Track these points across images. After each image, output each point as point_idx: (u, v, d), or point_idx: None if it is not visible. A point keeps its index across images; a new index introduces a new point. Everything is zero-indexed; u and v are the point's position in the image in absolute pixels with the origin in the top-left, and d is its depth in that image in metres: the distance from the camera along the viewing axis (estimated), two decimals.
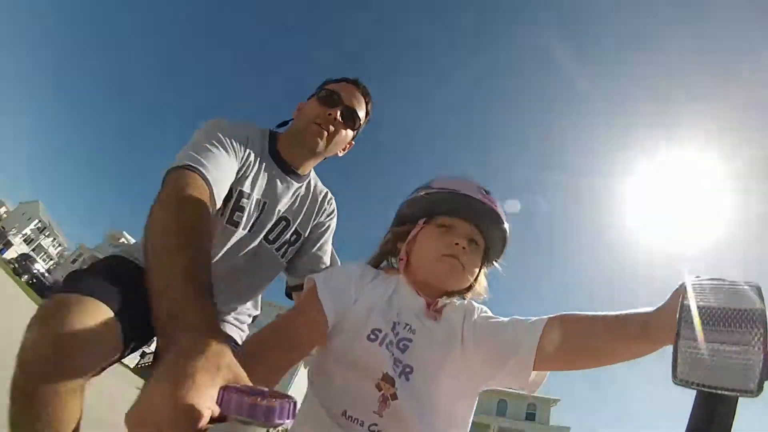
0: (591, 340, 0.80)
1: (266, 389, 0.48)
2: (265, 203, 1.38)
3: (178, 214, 0.87)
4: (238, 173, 1.27)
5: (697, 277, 0.51)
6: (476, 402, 0.95)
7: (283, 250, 1.46)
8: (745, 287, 0.48)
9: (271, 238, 1.43)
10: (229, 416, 0.46)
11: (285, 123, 1.52)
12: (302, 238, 1.50)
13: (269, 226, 1.40)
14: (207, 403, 0.47)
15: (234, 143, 1.26)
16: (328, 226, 1.59)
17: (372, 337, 0.88)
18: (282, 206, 1.42)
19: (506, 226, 1.04)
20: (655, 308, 0.66)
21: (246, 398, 0.45)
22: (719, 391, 0.43)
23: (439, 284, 1.00)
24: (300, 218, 1.48)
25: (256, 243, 1.37)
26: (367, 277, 1.01)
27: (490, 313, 1.00)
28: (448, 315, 0.98)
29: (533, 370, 0.85)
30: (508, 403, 34.66)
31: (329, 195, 1.59)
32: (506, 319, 0.94)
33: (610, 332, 0.76)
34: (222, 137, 1.22)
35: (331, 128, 1.41)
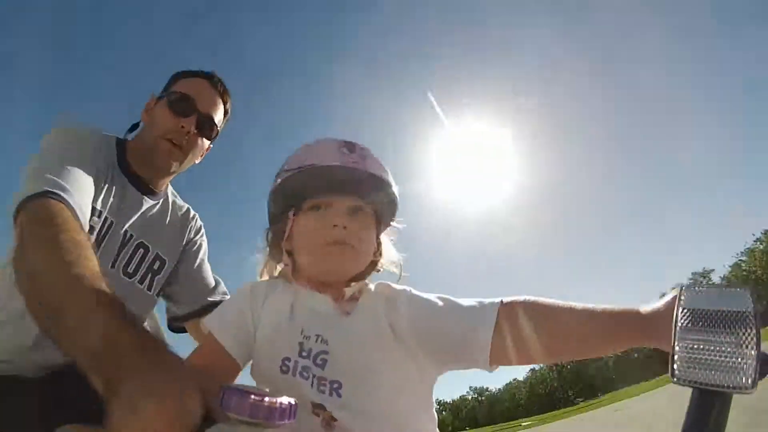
0: (566, 338, 0.73)
1: (267, 390, 0.48)
2: (112, 222, 1.18)
3: (65, 260, 0.72)
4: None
5: (692, 283, 0.55)
6: (435, 382, 0.85)
7: (147, 282, 1.27)
8: (737, 291, 0.51)
9: (131, 271, 1.23)
10: (230, 416, 0.46)
11: (135, 126, 1.31)
12: (168, 264, 1.32)
13: (116, 249, 1.19)
14: (197, 406, 0.48)
15: (88, 154, 1.09)
16: (200, 245, 1.43)
17: (284, 368, 0.79)
18: (131, 226, 1.22)
19: (387, 184, 0.88)
20: (646, 308, 0.66)
21: (248, 398, 0.45)
22: (716, 389, 0.46)
23: (333, 278, 0.88)
24: (161, 242, 1.30)
25: (110, 274, 1.14)
26: (259, 297, 0.88)
27: (418, 295, 0.85)
28: (364, 305, 0.86)
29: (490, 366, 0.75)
30: None
31: (192, 211, 1.43)
32: (440, 302, 0.82)
33: (592, 329, 0.70)
34: (77, 149, 1.07)
35: (185, 143, 1.23)
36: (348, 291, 0.88)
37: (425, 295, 0.84)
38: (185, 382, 0.50)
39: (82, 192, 0.97)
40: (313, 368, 0.78)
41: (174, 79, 1.30)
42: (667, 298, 0.61)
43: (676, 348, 0.49)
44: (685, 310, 0.51)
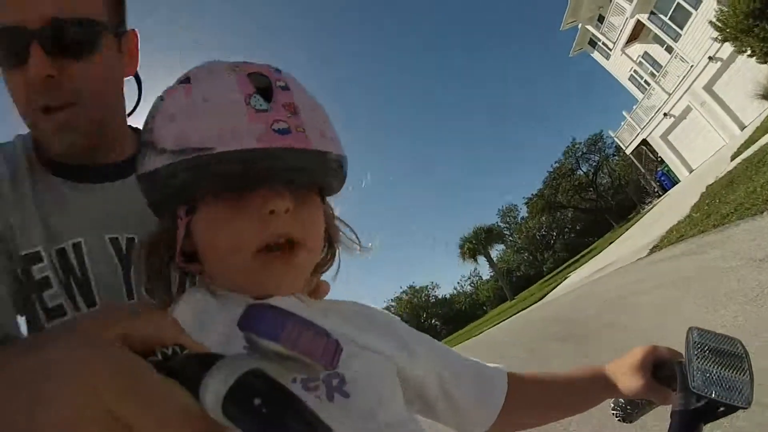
0: (549, 407, 0.75)
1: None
2: (78, 242, 0.75)
3: None
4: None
5: (696, 329, 0.66)
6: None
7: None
8: (732, 338, 0.66)
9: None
10: (260, 342, 0.29)
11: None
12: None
13: (118, 270, 0.77)
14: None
15: None
16: None
17: None
18: (103, 229, 0.79)
19: (335, 161, 0.57)
20: (611, 366, 0.73)
21: (304, 327, 0.29)
22: (725, 402, 0.58)
23: (267, 293, 0.56)
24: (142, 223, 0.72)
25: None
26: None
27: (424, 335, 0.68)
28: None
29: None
30: None
31: None
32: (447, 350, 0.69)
33: (570, 393, 0.74)
34: None
35: (56, 95, 0.66)
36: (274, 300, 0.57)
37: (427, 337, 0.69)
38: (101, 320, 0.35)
39: None
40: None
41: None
42: (629, 357, 0.71)
43: (694, 368, 0.61)
44: (697, 344, 0.63)
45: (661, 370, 0.67)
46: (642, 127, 21.25)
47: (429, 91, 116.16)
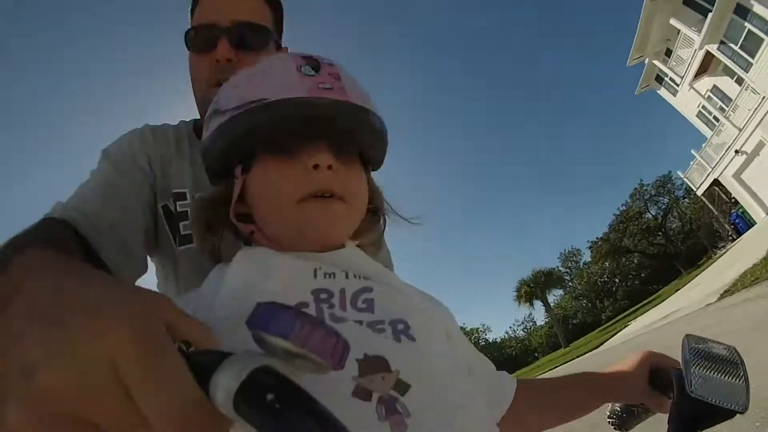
0: (555, 409, 0.75)
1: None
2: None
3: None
4: (161, 182, 0.91)
5: (692, 336, 0.66)
6: None
7: None
8: (728, 345, 0.66)
9: None
10: (270, 340, 0.29)
11: None
12: None
13: None
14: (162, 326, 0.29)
15: (140, 159, 0.91)
16: None
17: None
18: None
19: (374, 116, 0.61)
20: (610, 370, 0.74)
21: (313, 326, 0.29)
22: (721, 405, 0.59)
23: (314, 244, 0.59)
24: None
25: None
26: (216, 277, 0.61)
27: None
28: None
29: None
30: None
31: None
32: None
33: (568, 399, 0.74)
34: (124, 158, 0.89)
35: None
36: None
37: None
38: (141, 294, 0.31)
39: (109, 211, 0.78)
40: (356, 314, 0.53)
41: (191, 17, 0.98)
42: (626, 361, 0.73)
43: (692, 373, 0.61)
44: (693, 350, 0.63)
45: (658, 377, 0.68)
46: (713, 166, 19.80)
47: (493, 127, 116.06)
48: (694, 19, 17.02)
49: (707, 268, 20.05)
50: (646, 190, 39.40)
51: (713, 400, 0.58)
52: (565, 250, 52.04)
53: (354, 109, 0.57)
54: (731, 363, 0.63)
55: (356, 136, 0.61)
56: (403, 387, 0.47)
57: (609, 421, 0.74)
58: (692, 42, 17.51)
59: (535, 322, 58.34)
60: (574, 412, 0.73)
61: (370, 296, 0.55)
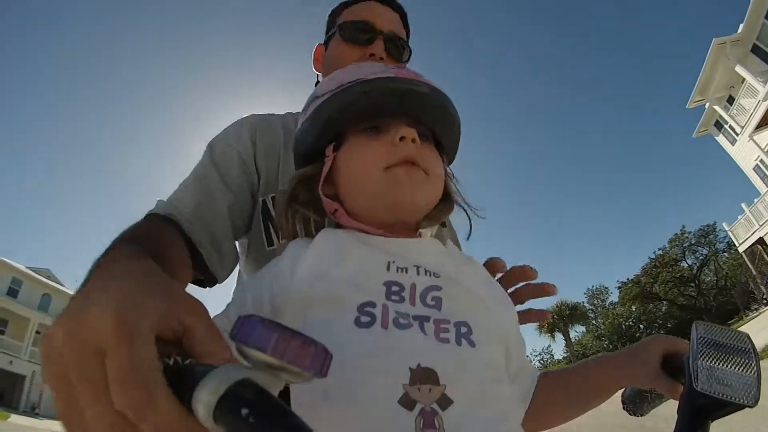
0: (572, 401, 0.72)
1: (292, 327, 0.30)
2: None
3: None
4: (266, 176, 0.97)
5: (701, 323, 0.63)
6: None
7: None
8: (740, 332, 0.62)
9: None
10: (249, 353, 0.29)
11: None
12: None
13: None
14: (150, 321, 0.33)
15: (246, 154, 0.96)
16: None
17: (364, 320, 0.53)
18: None
19: (453, 106, 0.70)
20: (622, 355, 0.70)
21: (291, 338, 0.29)
22: (729, 400, 0.56)
23: (402, 213, 0.65)
24: None
25: None
26: (291, 253, 0.65)
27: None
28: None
29: None
30: (52, 298, 29.86)
31: None
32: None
33: (584, 388, 0.71)
34: (227, 152, 0.95)
35: None
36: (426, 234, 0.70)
37: None
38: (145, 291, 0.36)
39: (208, 208, 0.87)
40: (424, 309, 0.56)
41: (334, 16, 1.13)
42: (638, 344, 0.69)
43: (699, 366, 0.58)
44: (702, 339, 0.60)
45: (672, 362, 0.65)
46: (761, 223, 18.93)
47: (541, 155, 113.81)
48: (761, 68, 16.36)
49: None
50: (686, 237, 37.85)
51: (721, 395, 0.55)
52: (593, 287, 50.64)
53: (436, 91, 0.67)
54: (742, 352, 0.59)
55: (437, 118, 0.69)
56: (446, 402, 0.48)
57: (623, 406, 0.72)
58: (756, 92, 16.82)
59: (552, 355, 56.39)
60: (588, 401, 0.70)
61: (438, 294, 0.58)
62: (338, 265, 0.59)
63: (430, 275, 0.60)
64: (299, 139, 0.71)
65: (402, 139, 0.63)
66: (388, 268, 0.59)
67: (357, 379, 0.49)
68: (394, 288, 0.57)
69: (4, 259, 26.62)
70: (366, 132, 0.66)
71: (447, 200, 0.72)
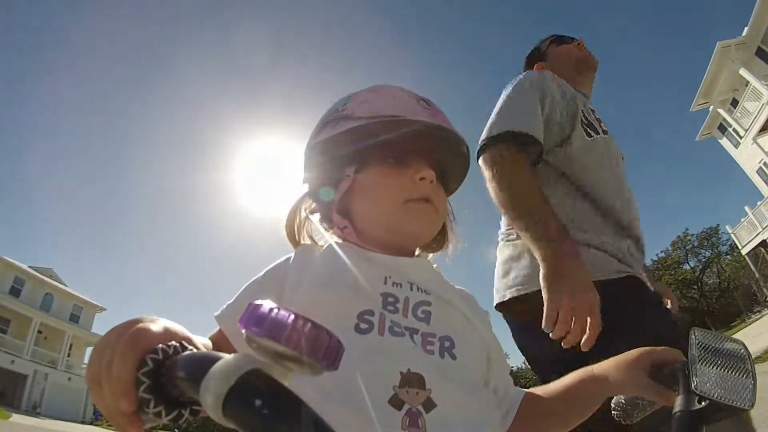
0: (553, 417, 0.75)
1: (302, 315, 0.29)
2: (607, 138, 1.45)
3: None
4: (572, 105, 1.38)
5: (698, 329, 0.66)
6: None
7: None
8: (736, 339, 0.65)
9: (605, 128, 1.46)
10: (260, 342, 0.28)
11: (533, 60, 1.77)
12: None
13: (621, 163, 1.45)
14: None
15: (556, 93, 1.39)
16: None
17: (362, 327, 0.60)
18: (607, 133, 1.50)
19: (468, 150, 0.79)
20: (600, 368, 0.72)
21: (305, 327, 0.28)
22: (726, 403, 0.57)
23: (408, 243, 0.75)
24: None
25: (611, 138, 1.45)
26: (299, 259, 0.73)
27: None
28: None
29: None
30: (54, 297, 29.59)
31: None
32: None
33: (571, 403, 0.73)
34: (544, 91, 1.37)
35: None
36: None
37: None
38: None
39: (538, 116, 1.33)
40: (415, 322, 0.62)
41: (555, 42, 1.75)
42: (624, 354, 0.70)
43: (698, 370, 0.60)
44: (701, 344, 0.62)
45: (663, 370, 0.66)
46: (764, 226, 18.89)
47: None
48: (765, 72, 16.32)
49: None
50: (689, 240, 37.79)
51: (718, 397, 0.57)
52: None
53: (461, 142, 0.76)
54: (738, 358, 0.61)
55: (454, 165, 0.79)
56: (430, 405, 0.54)
57: (613, 413, 0.72)
58: (761, 96, 16.79)
59: None
60: (579, 413, 0.73)
61: (428, 309, 0.64)
62: (342, 275, 0.65)
63: (421, 291, 0.67)
64: (326, 148, 0.74)
65: (422, 179, 0.70)
66: (385, 282, 0.65)
67: (353, 378, 0.53)
68: (390, 299, 0.63)
69: (7, 258, 26.64)
70: (389, 163, 0.72)
71: (442, 233, 0.81)
